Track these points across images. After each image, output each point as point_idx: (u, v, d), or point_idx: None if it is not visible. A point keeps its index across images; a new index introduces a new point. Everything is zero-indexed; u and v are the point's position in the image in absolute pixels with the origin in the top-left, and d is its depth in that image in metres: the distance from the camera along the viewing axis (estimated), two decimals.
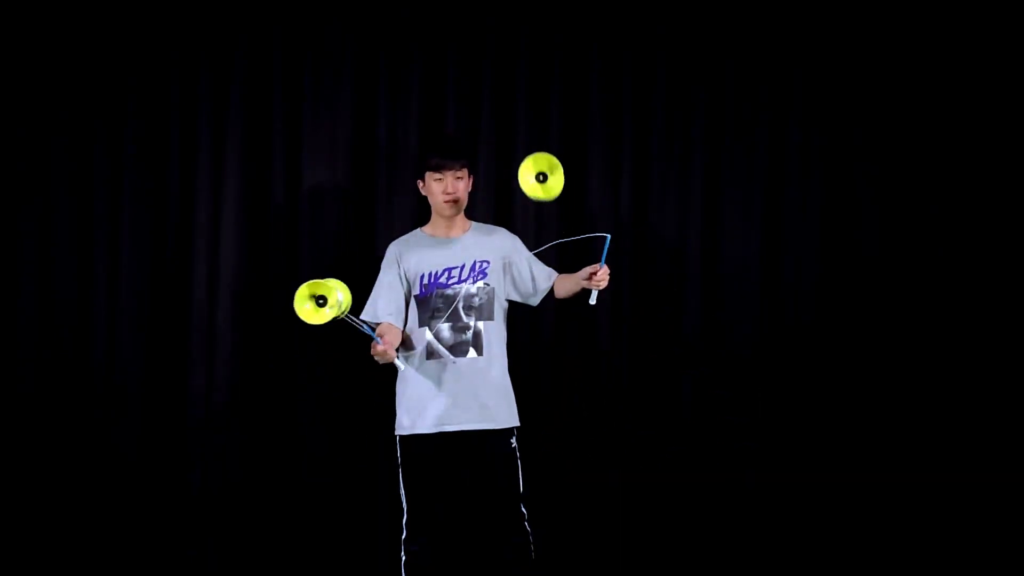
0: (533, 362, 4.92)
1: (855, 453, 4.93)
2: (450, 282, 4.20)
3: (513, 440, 4.19)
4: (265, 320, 5.02)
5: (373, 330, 4.08)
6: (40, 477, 4.96)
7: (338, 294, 3.99)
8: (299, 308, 4.03)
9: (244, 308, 5.01)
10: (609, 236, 4.04)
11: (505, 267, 4.26)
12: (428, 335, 4.19)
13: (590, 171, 4.99)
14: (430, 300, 4.19)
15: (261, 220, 5.02)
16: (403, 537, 4.18)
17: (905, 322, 4.94)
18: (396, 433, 4.26)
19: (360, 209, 5.02)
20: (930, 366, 4.93)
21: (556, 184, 4.07)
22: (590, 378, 4.97)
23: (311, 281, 4.04)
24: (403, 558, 4.18)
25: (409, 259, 4.27)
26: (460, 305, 4.17)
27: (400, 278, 4.27)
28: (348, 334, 4.88)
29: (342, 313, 4.01)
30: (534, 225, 4.95)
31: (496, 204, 4.95)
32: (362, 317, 4.25)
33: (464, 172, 4.25)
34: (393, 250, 4.34)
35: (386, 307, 4.26)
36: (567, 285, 4.26)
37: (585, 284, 4.09)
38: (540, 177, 4.07)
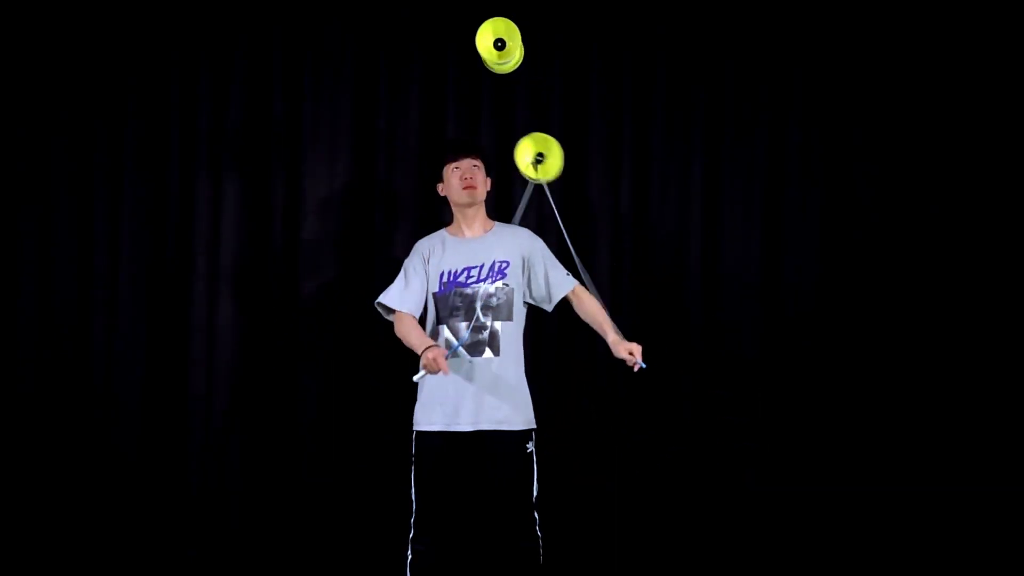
0: (535, 363, 4.91)
1: (855, 453, 4.95)
2: (469, 281, 4.18)
3: (530, 444, 4.16)
4: (265, 320, 5.02)
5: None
6: (40, 477, 4.96)
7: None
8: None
9: (244, 308, 5.01)
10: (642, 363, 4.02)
11: (524, 268, 4.24)
12: (446, 333, 4.19)
13: (590, 171, 5.01)
14: (449, 298, 4.18)
15: (261, 220, 5.02)
16: (410, 535, 4.15)
17: (905, 322, 4.95)
18: (414, 428, 4.25)
19: (360, 209, 5.02)
20: (930, 365, 4.95)
21: (554, 165, 4.08)
22: (590, 380, 4.97)
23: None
24: (408, 556, 4.15)
25: (431, 256, 4.27)
26: (478, 305, 4.16)
27: (424, 272, 4.27)
28: (346, 334, 4.91)
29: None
30: (534, 226, 4.95)
31: (496, 204, 4.95)
32: (382, 301, 4.25)
33: (480, 163, 4.24)
34: (419, 246, 4.33)
35: (409, 297, 4.24)
36: (596, 319, 4.20)
37: (619, 355, 4.07)
38: (538, 158, 4.09)
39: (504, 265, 4.19)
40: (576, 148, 4.99)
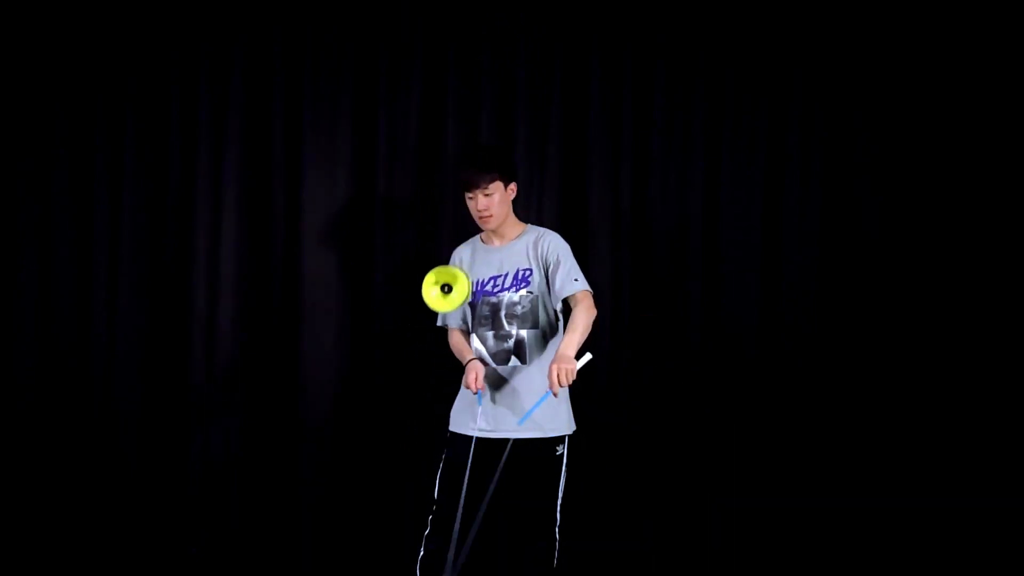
0: None
1: (855, 453, 4.98)
2: (495, 290, 4.21)
3: (560, 447, 4.19)
4: (266, 321, 5.02)
5: None
6: (40, 477, 4.95)
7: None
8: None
9: (245, 309, 5.01)
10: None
11: (544, 273, 4.23)
12: (476, 342, 4.22)
13: (590, 171, 5.02)
14: (479, 307, 4.22)
15: (261, 220, 5.02)
16: (426, 532, 4.18)
17: (905, 321, 4.97)
18: (449, 429, 4.28)
19: (360, 209, 5.03)
20: (930, 364, 4.97)
21: (460, 295, 4.11)
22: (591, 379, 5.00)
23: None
24: (421, 553, 4.17)
25: (465, 265, 4.30)
26: (502, 313, 4.18)
27: None
28: (346, 334, 4.91)
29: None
30: None
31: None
32: (438, 322, 4.35)
33: (495, 186, 4.18)
34: (454, 257, 4.36)
35: (454, 313, 4.30)
36: (571, 326, 4.13)
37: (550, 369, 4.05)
38: (444, 288, 4.11)
39: (527, 273, 4.20)
40: (576, 148, 5.02)
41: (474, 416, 4.15)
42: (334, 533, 5.01)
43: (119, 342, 4.98)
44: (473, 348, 4.23)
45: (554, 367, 3.98)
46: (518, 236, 4.30)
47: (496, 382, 4.17)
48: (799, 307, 4.99)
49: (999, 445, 4.92)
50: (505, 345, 4.18)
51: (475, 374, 4.12)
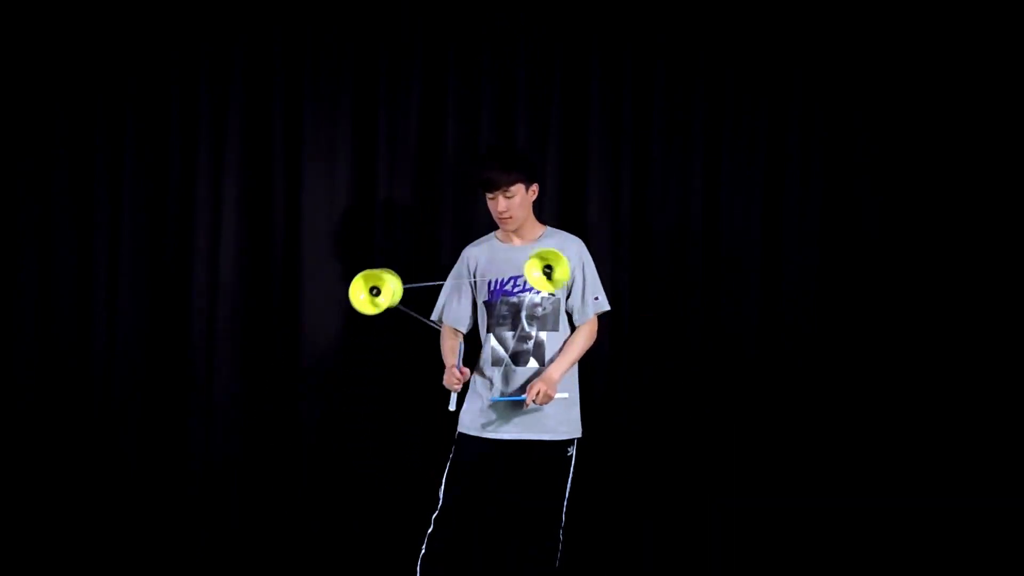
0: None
1: (855, 453, 4.99)
2: (515, 290, 4.20)
3: (570, 449, 4.20)
4: (266, 321, 5.01)
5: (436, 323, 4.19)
6: (40, 476, 4.94)
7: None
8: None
9: (245, 309, 5.01)
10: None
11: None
12: (492, 341, 4.21)
13: (590, 171, 5.02)
14: (496, 307, 4.21)
15: (261, 220, 5.02)
16: (429, 531, 4.18)
17: (906, 321, 4.98)
18: (457, 430, 4.28)
19: (360, 209, 5.03)
20: (931, 364, 4.97)
21: (387, 297, 4.02)
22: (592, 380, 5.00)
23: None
24: (422, 551, 4.17)
25: (480, 264, 4.29)
26: (523, 315, 4.17)
27: (468, 284, 4.28)
28: (346, 334, 4.91)
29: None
30: None
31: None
32: (433, 317, 4.34)
33: (516, 188, 4.17)
34: (465, 255, 4.35)
35: (449, 312, 4.30)
36: (570, 345, 4.19)
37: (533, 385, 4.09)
38: (373, 291, 4.06)
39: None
40: (576, 148, 5.02)
41: (486, 418, 4.15)
42: (334, 533, 5.01)
43: (119, 342, 4.97)
44: (489, 347, 4.22)
45: (539, 384, 4.04)
46: (538, 238, 4.29)
47: (513, 383, 4.17)
48: (799, 307, 4.99)
49: (999, 445, 4.94)
50: (525, 346, 4.18)
51: (454, 379, 4.12)
